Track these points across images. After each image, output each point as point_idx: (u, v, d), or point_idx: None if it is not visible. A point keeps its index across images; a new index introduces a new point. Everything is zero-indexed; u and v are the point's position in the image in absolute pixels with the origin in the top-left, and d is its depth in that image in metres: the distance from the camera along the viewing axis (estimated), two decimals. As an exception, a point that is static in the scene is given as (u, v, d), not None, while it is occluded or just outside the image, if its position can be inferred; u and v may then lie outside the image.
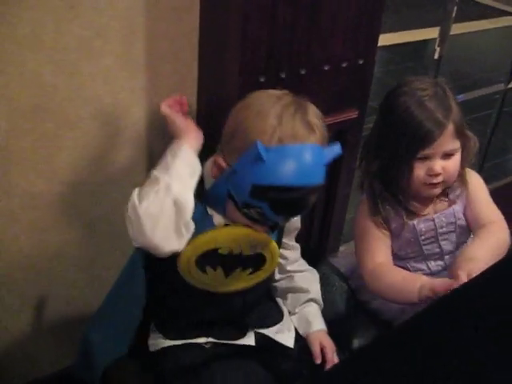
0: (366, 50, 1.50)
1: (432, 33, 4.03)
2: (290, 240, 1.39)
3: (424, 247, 1.46)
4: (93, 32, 1.27)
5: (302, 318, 1.39)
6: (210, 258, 1.18)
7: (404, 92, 1.37)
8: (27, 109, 1.26)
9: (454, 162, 1.37)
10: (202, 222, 1.14)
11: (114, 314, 1.32)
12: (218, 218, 1.19)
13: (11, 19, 1.17)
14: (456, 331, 0.62)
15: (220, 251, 1.18)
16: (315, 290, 1.43)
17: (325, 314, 1.43)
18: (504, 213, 1.47)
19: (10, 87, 1.23)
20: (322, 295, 1.45)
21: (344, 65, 1.47)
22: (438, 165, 1.35)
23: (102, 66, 1.31)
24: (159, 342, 1.28)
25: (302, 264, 1.45)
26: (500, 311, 0.62)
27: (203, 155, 1.18)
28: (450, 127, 1.33)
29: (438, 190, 1.41)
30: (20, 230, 1.39)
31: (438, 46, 3.48)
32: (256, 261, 1.23)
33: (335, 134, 1.48)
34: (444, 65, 2.44)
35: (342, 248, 1.88)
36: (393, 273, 1.39)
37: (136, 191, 1.10)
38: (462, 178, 1.45)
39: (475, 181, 1.50)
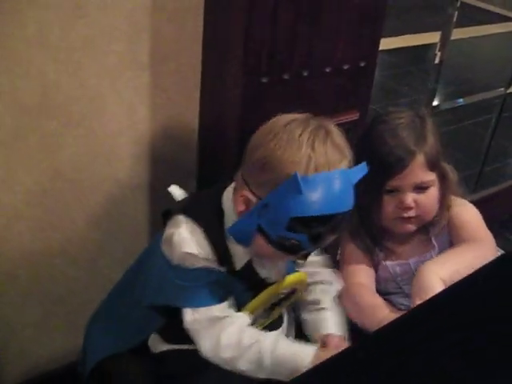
0: (367, 53, 1.51)
1: (434, 37, 4.05)
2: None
3: (404, 286, 1.37)
4: (98, 31, 1.28)
5: (312, 324, 1.30)
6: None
7: (382, 120, 1.32)
8: (32, 107, 1.28)
9: (429, 196, 1.28)
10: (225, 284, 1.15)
11: (115, 312, 1.33)
12: (240, 256, 1.17)
13: (19, 18, 1.19)
14: (421, 345, 0.61)
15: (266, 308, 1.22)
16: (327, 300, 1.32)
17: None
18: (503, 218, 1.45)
19: (15, 85, 1.24)
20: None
21: (345, 67, 1.48)
22: (409, 197, 1.26)
23: (106, 65, 1.32)
24: (158, 345, 1.27)
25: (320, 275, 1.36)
26: (465, 327, 0.62)
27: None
28: (420, 157, 1.24)
29: (411, 227, 1.31)
30: (24, 227, 1.40)
31: (439, 50, 3.49)
32: (290, 294, 1.26)
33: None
34: (445, 69, 2.44)
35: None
36: (365, 295, 1.30)
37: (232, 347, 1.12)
38: (442, 212, 1.33)
39: (465, 212, 1.36)
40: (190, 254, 1.11)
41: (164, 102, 1.45)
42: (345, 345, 1.19)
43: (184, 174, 1.57)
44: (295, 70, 1.40)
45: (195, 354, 1.21)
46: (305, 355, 1.10)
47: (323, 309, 1.29)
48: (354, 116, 1.58)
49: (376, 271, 1.37)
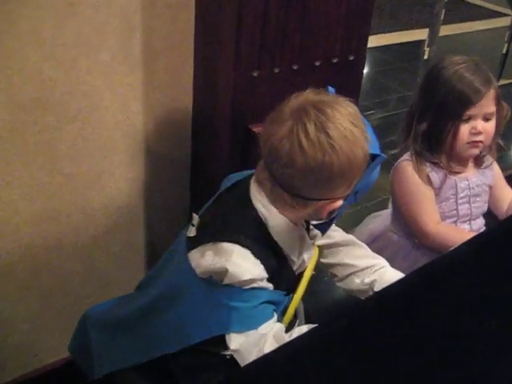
0: (356, 47, 1.54)
1: (425, 34, 4.09)
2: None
3: (459, 206, 1.60)
4: (91, 28, 1.31)
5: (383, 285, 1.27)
6: None
7: (451, 62, 1.53)
8: (28, 102, 1.30)
9: (492, 125, 1.53)
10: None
11: (135, 329, 1.27)
12: (286, 241, 1.16)
13: (13, 16, 1.21)
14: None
15: None
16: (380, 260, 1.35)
17: (321, 305, 1.46)
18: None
19: (12, 82, 1.26)
20: (317, 286, 1.46)
21: (335, 60, 1.51)
22: (480, 124, 1.50)
23: (100, 61, 1.35)
24: None
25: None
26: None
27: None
28: (492, 90, 1.50)
29: (477, 151, 1.56)
30: (21, 221, 1.42)
31: (428, 46, 3.54)
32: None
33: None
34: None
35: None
36: (458, 230, 1.57)
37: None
38: (492, 147, 1.61)
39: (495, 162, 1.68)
40: (249, 279, 1.08)
41: (157, 97, 1.48)
42: None
43: (178, 167, 1.60)
44: (286, 64, 1.43)
45: (211, 353, 1.18)
46: None
47: (384, 267, 1.31)
48: (344, 109, 1.61)
49: (438, 194, 1.58)
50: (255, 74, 1.38)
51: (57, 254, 1.53)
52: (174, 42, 1.44)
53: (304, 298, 1.42)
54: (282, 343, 1.05)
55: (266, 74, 1.40)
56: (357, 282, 1.30)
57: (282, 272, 1.16)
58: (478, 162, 1.63)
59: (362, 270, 1.30)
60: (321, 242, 1.32)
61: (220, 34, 1.38)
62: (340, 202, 1.11)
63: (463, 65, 1.52)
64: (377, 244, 1.72)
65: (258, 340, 1.08)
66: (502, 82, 3.45)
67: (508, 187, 1.72)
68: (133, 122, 1.47)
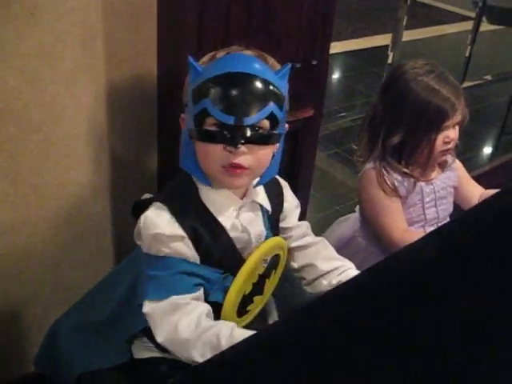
0: (319, 51, 1.56)
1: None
2: (290, 222, 1.32)
3: (426, 211, 1.62)
4: (53, 38, 1.31)
5: None
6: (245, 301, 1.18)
7: (413, 72, 1.53)
8: (-9, 113, 1.30)
9: (457, 131, 1.56)
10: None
11: (91, 318, 1.30)
12: (225, 213, 1.14)
13: (-27, 27, 1.21)
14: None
15: (254, 281, 1.18)
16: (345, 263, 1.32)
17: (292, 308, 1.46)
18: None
19: (-27, 92, 1.26)
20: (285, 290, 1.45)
21: (298, 65, 1.52)
22: (452, 133, 1.54)
23: (62, 70, 1.35)
24: (143, 350, 1.24)
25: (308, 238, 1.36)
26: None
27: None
28: (463, 99, 1.53)
29: (447, 157, 1.61)
30: (-14, 232, 1.41)
31: (391, 51, 3.58)
32: (274, 262, 1.23)
33: (291, 133, 1.54)
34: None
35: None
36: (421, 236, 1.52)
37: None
38: (454, 149, 1.63)
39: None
40: (156, 235, 1.08)
41: (122, 106, 1.49)
42: None
43: (145, 176, 1.61)
44: (248, 70, 1.43)
45: (178, 363, 1.16)
46: None
47: (350, 269, 1.29)
48: (308, 114, 1.63)
49: (405, 201, 1.59)
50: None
51: (25, 265, 1.52)
52: (137, 50, 1.44)
53: (276, 301, 1.44)
54: (201, 327, 1.05)
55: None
56: (324, 284, 1.29)
57: (213, 242, 1.13)
58: (442, 164, 1.66)
59: (329, 272, 1.30)
60: (293, 244, 1.32)
61: (183, 40, 1.39)
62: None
63: (430, 75, 1.51)
64: (346, 250, 1.72)
65: (168, 309, 1.07)
66: (466, 84, 3.52)
67: (475, 183, 1.74)
68: (98, 131, 1.47)
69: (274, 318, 1.39)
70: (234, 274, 1.15)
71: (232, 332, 1.04)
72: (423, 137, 1.52)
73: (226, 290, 1.15)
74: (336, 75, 4.25)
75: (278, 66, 1.16)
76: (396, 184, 1.56)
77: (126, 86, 1.47)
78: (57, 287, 1.61)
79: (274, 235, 1.24)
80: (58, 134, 1.41)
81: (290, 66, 1.14)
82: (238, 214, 1.17)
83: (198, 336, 1.05)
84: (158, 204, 1.11)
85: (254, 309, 1.23)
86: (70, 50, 1.34)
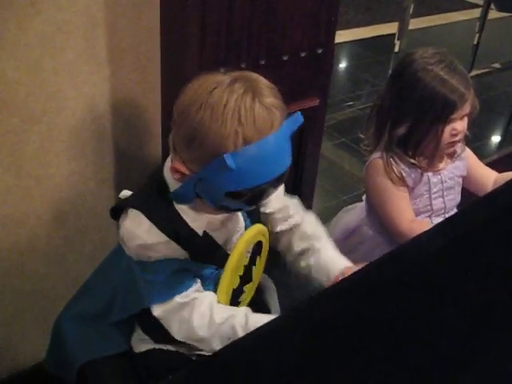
0: (324, 40, 1.54)
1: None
2: (271, 207, 1.29)
3: (433, 201, 1.60)
4: (54, 28, 1.29)
5: (318, 269, 1.25)
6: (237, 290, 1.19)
7: (423, 61, 1.49)
8: (-8, 104, 1.29)
9: (466, 122, 1.53)
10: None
11: (90, 307, 1.31)
12: (197, 224, 1.12)
13: (-27, 17, 1.20)
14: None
15: (240, 274, 1.18)
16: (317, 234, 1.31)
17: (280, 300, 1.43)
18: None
19: (-26, 84, 1.25)
20: (276, 278, 1.45)
21: (303, 54, 1.51)
22: (460, 125, 1.50)
23: (64, 60, 1.33)
24: (141, 344, 1.25)
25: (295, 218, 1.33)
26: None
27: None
28: (472, 90, 1.49)
29: (455, 149, 1.58)
30: (-10, 225, 1.41)
31: (398, 39, 3.55)
32: (257, 249, 1.23)
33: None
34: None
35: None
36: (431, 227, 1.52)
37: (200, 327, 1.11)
38: (464, 138, 1.59)
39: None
40: (141, 246, 1.08)
41: (125, 96, 1.47)
42: None
43: (149, 166, 1.59)
44: (252, 59, 1.42)
45: (176, 355, 1.22)
46: None
47: (319, 250, 1.27)
48: (313, 103, 1.61)
49: (412, 190, 1.57)
50: (222, 71, 1.37)
51: (29, 257, 1.51)
52: (139, 40, 1.43)
53: (280, 292, 1.43)
54: (215, 323, 1.09)
55: (232, 70, 1.39)
56: (302, 266, 1.28)
57: (195, 242, 1.12)
58: (451, 155, 1.63)
59: (299, 254, 1.28)
60: (278, 229, 1.30)
61: (185, 30, 1.37)
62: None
63: (440, 65, 1.48)
64: (352, 239, 1.71)
65: (177, 309, 1.10)
66: (474, 72, 3.48)
67: (487, 168, 1.71)
68: (100, 121, 1.46)
69: (276, 309, 1.38)
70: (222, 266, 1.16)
71: (247, 320, 1.09)
72: (429, 129, 1.49)
73: (216, 285, 1.16)
74: (342, 64, 4.22)
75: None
76: (403, 174, 1.54)
77: (129, 76, 1.45)
78: (61, 280, 1.60)
79: (254, 223, 1.23)
80: (61, 125, 1.40)
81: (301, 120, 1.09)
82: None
83: (214, 332, 1.10)
84: (134, 212, 1.09)
85: (246, 298, 1.24)
86: (72, 40, 1.33)
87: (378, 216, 1.62)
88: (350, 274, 1.07)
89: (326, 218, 2.55)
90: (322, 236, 1.31)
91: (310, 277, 1.26)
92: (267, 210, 1.28)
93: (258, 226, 1.22)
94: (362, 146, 1.66)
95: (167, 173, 1.11)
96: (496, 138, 3.41)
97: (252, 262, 1.22)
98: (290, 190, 1.74)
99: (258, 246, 1.22)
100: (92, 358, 1.26)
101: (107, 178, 1.54)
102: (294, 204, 1.32)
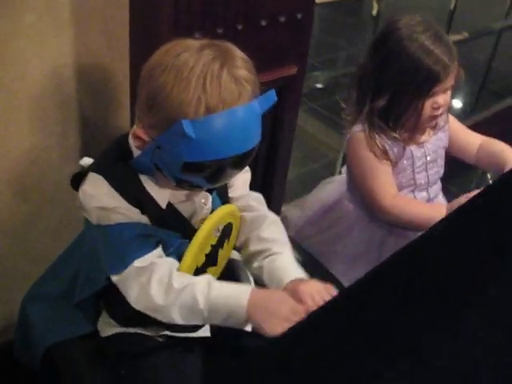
0: (303, 4, 1.46)
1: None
2: (235, 192, 1.24)
3: (416, 176, 1.56)
4: (13, -12, 1.19)
5: (270, 275, 1.17)
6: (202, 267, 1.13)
7: (409, 29, 1.42)
8: None
9: (449, 95, 1.48)
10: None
11: (55, 288, 1.26)
12: (160, 194, 1.08)
13: None
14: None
15: (206, 252, 1.13)
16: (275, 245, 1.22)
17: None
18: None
19: None
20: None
21: (282, 19, 1.42)
22: (442, 98, 1.44)
23: (24, 23, 1.23)
24: (107, 328, 1.21)
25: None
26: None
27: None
28: (456, 62, 1.43)
29: (436, 122, 1.52)
30: None
31: (376, 2, 3.47)
32: (227, 231, 1.18)
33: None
34: (382, 21, 2.41)
35: (283, 208, 1.86)
36: (415, 202, 1.54)
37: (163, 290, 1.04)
38: (448, 108, 1.55)
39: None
40: (100, 207, 1.04)
41: (91, 62, 1.37)
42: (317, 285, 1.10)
43: (117, 134, 1.49)
44: (229, 24, 1.33)
45: (143, 337, 1.18)
46: (241, 295, 1.02)
47: (275, 254, 1.18)
48: (292, 71, 1.53)
49: (395, 165, 1.52)
50: (197, 36, 1.28)
51: (-11, 235, 1.43)
52: (107, 2, 1.32)
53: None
54: (174, 290, 1.03)
55: (208, 35, 1.29)
56: (254, 266, 1.21)
57: (158, 212, 1.08)
58: (433, 127, 1.58)
59: (254, 254, 1.21)
60: (237, 203, 1.24)
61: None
62: None
63: (425, 34, 1.41)
64: (332, 213, 1.67)
65: (135, 273, 1.04)
66: (450, 37, 3.42)
67: (472, 133, 1.66)
68: (64, 89, 1.36)
69: (247, 279, 1.33)
70: (190, 240, 1.11)
71: (209, 289, 1.03)
72: (410, 102, 1.43)
73: (180, 256, 1.10)
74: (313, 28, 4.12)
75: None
76: (386, 148, 1.49)
77: (96, 41, 1.35)
78: (24, 256, 1.53)
79: (224, 203, 1.18)
80: (21, 93, 1.30)
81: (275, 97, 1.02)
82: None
83: (173, 299, 1.03)
84: (94, 175, 1.06)
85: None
86: (32, 1, 1.22)
87: (360, 191, 1.56)
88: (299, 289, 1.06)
89: (297, 187, 2.51)
90: (283, 242, 1.22)
91: (261, 279, 1.20)
92: (231, 194, 1.23)
93: (231, 207, 1.17)
94: (343, 116, 1.60)
95: (132, 140, 1.06)
96: (468, 106, 3.38)
97: (220, 244, 1.17)
98: (265, 160, 1.69)
99: (227, 229, 1.17)
100: (58, 339, 1.23)
101: (73, 150, 1.45)
102: (256, 198, 1.27)
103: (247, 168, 1.23)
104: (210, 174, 0.99)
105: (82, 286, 1.18)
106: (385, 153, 1.48)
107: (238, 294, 1.03)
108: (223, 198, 1.19)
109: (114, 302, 1.12)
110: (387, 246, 1.59)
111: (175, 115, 0.92)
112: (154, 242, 1.08)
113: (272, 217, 1.26)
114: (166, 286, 1.03)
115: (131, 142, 1.06)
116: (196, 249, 1.09)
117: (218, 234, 1.15)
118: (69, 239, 1.48)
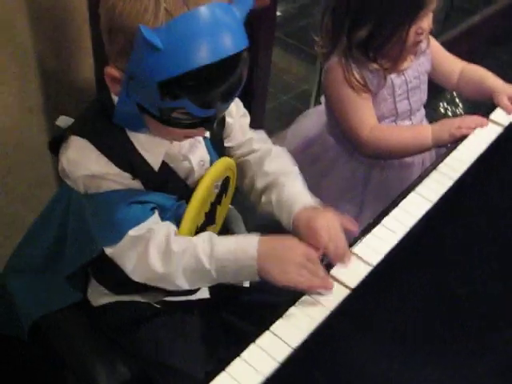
0: None
1: None
2: (234, 140, 1.16)
3: (397, 104, 1.49)
4: None
5: (280, 206, 1.09)
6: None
7: None
8: None
9: (431, 17, 1.39)
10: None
11: (34, 257, 1.18)
12: (153, 152, 0.99)
13: None
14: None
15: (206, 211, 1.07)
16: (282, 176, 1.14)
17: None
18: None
19: None
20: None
21: None
22: (425, 23, 1.37)
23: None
24: (99, 298, 1.14)
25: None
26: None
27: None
28: None
29: (419, 47, 1.44)
30: None
31: None
32: (225, 186, 1.11)
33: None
34: None
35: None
36: (395, 129, 1.49)
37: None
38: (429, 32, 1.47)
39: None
40: (88, 175, 0.95)
41: (47, 7, 1.25)
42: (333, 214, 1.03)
43: (82, 88, 1.41)
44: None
45: (139, 305, 1.11)
46: (249, 245, 0.95)
47: (283, 184, 1.11)
48: (264, 1, 1.44)
49: (375, 95, 1.45)
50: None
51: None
52: None
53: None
54: (174, 255, 0.96)
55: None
56: (263, 201, 1.14)
57: (151, 174, 1.00)
58: (415, 52, 1.49)
59: (262, 190, 1.14)
60: (242, 163, 1.17)
61: None
62: None
63: None
64: (315, 148, 1.60)
65: (131, 243, 0.97)
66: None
67: (453, 58, 1.59)
68: (19, 41, 1.25)
69: (241, 230, 1.29)
70: (187, 202, 1.03)
71: (212, 247, 0.96)
72: (394, 30, 1.35)
73: (178, 220, 1.02)
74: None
75: None
76: (366, 80, 1.41)
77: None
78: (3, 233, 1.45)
79: (220, 156, 1.10)
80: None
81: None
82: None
83: (175, 264, 0.96)
84: (77, 139, 0.95)
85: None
86: None
87: (339, 125, 1.49)
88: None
89: (271, 121, 2.43)
90: (290, 171, 1.15)
91: (273, 215, 1.12)
92: (229, 144, 1.15)
93: (227, 160, 1.09)
94: (317, 50, 1.51)
95: (110, 86, 0.93)
96: (436, 25, 3.29)
97: (218, 200, 1.10)
98: (242, 99, 1.60)
99: (225, 184, 1.10)
100: (46, 312, 1.16)
101: (36, 107, 1.35)
102: (259, 137, 1.19)
103: (245, 112, 1.15)
104: (194, 94, 0.85)
105: (72, 259, 1.10)
106: (363, 85, 1.41)
107: (245, 245, 0.95)
108: (219, 150, 1.11)
109: (104, 268, 1.04)
110: (371, 181, 1.55)
111: (134, 29, 0.79)
112: (149, 207, 0.99)
113: (276, 149, 1.18)
114: (164, 252, 0.96)
115: (113, 95, 0.95)
116: (195, 209, 1.02)
117: (217, 191, 1.08)
118: (40, 202, 1.40)
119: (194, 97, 0.85)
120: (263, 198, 1.12)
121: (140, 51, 0.81)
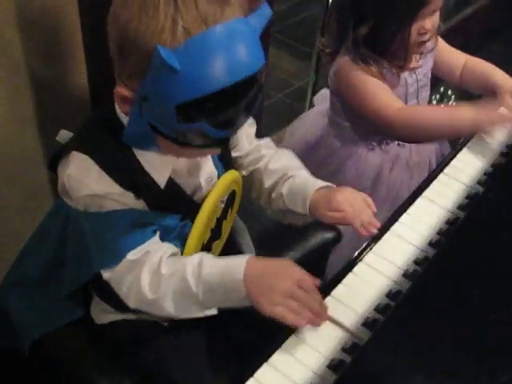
0: None
1: None
2: (241, 149, 1.15)
3: (408, 103, 1.49)
4: None
5: (292, 196, 1.08)
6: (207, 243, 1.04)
7: None
8: None
9: (438, 16, 1.38)
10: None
11: (32, 272, 1.14)
12: (159, 170, 0.95)
13: None
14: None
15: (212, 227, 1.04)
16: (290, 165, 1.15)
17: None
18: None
19: None
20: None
21: None
22: (429, 23, 1.35)
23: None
24: (102, 315, 1.10)
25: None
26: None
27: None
28: None
29: (427, 46, 1.43)
30: None
31: None
32: (230, 200, 1.08)
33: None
34: None
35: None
36: (428, 109, 1.50)
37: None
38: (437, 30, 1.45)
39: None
40: (89, 195, 0.91)
41: (36, 16, 1.21)
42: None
43: (74, 99, 1.37)
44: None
45: (145, 323, 1.06)
46: (236, 267, 0.90)
47: (292, 177, 1.10)
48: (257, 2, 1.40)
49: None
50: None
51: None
52: None
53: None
54: (163, 278, 0.92)
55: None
56: (273, 197, 1.12)
57: (157, 191, 0.96)
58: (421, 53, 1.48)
59: (271, 188, 1.12)
60: (245, 171, 1.15)
61: None
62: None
63: None
64: (319, 152, 1.58)
65: (128, 268, 0.93)
66: None
67: (457, 52, 1.59)
68: (9, 51, 1.21)
69: (250, 249, 1.25)
70: (192, 221, 1.00)
71: (201, 267, 0.91)
72: (395, 27, 1.34)
73: (184, 239, 1.00)
74: None
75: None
76: (383, 74, 1.41)
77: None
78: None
79: (228, 169, 1.07)
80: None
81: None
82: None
83: (164, 289, 0.92)
84: (78, 155, 0.91)
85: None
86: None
87: (363, 119, 1.45)
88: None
89: (268, 120, 2.40)
90: (296, 165, 1.15)
91: (285, 209, 1.10)
92: (237, 153, 1.12)
93: (233, 173, 1.06)
94: (320, 46, 1.49)
95: (118, 106, 0.90)
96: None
97: (224, 215, 1.07)
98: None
99: (231, 198, 1.07)
100: (46, 330, 1.12)
101: (28, 118, 1.32)
102: (265, 143, 1.17)
103: (251, 121, 1.11)
104: (212, 116, 0.82)
105: (71, 278, 1.05)
106: (381, 77, 1.40)
107: (232, 267, 0.90)
108: (226, 161, 1.08)
109: (103, 287, 0.99)
110: (379, 183, 1.53)
111: (150, 50, 0.76)
112: (151, 230, 0.96)
113: (282, 150, 1.18)
114: (154, 276, 0.92)
115: (119, 112, 0.92)
116: (201, 227, 0.99)
117: (223, 206, 1.05)
118: (37, 215, 1.37)
119: (212, 118, 0.82)
120: (273, 195, 1.11)
121: (157, 73, 0.77)
